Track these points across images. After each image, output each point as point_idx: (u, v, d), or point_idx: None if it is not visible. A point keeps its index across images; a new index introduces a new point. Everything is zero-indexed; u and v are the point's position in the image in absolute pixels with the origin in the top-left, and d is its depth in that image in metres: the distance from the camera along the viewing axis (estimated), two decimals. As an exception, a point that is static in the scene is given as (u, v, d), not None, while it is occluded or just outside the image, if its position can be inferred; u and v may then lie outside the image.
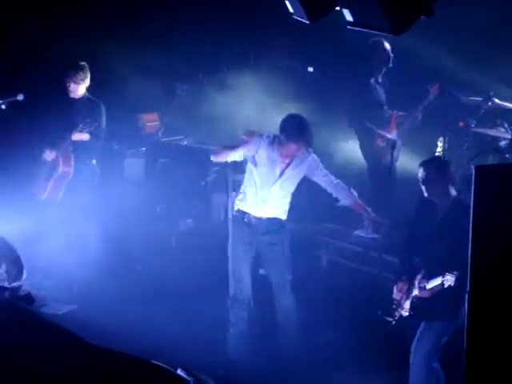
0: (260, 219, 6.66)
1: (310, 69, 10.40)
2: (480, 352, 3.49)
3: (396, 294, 5.81)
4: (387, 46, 8.44)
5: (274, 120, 8.83)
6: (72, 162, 7.87)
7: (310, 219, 9.07)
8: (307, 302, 7.25)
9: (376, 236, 8.17)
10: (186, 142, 9.65)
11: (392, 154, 7.89)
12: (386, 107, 8.65)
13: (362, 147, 8.78)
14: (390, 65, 8.55)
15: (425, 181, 5.77)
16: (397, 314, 5.79)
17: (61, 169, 7.85)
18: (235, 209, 6.83)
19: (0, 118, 7.91)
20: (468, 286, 3.51)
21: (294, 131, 6.45)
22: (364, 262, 8.06)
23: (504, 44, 8.77)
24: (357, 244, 8.28)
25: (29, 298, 3.77)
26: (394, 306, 5.82)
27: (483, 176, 3.49)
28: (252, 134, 6.59)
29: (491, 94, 8.26)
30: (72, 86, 7.90)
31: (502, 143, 8.12)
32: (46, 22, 9.38)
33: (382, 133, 8.51)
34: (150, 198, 9.31)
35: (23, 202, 7.80)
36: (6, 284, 4.40)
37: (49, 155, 7.86)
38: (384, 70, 8.60)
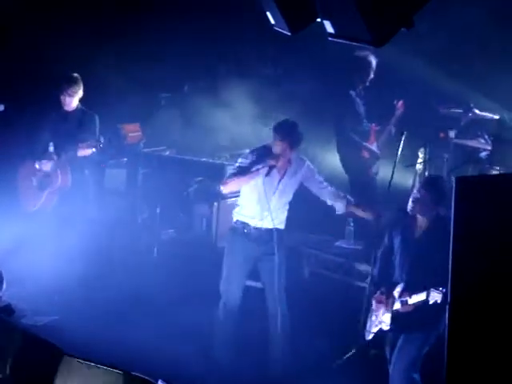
0: (260, 230, 6.70)
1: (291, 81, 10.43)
2: (460, 364, 3.49)
3: (375, 306, 5.79)
4: (373, 61, 8.47)
5: (257, 129, 8.86)
6: (69, 173, 7.84)
7: (291, 230, 9.07)
8: (289, 313, 7.25)
9: (358, 247, 8.20)
10: (167, 153, 9.64)
11: (370, 166, 7.96)
12: (365, 120, 8.68)
13: (344, 159, 8.77)
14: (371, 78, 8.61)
15: (419, 199, 5.70)
16: (375, 327, 5.78)
17: (59, 181, 7.80)
18: (234, 220, 6.86)
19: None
20: (448, 297, 3.52)
21: (281, 129, 6.59)
22: (346, 273, 8.07)
23: (484, 55, 8.83)
24: (339, 255, 8.29)
25: (8, 309, 3.74)
26: (373, 319, 5.81)
27: (464, 187, 3.51)
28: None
29: (471, 105, 8.31)
30: (67, 100, 7.89)
31: (483, 154, 8.17)
32: (33, 34, 9.38)
33: (368, 145, 8.55)
34: (132, 209, 9.28)
35: (9, 212, 7.75)
36: (-15, 295, 4.37)
37: (46, 165, 7.79)
38: (366, 84, 8.63)
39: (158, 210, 9.13)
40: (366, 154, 8.50)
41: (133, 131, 9.70)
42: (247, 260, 6.75)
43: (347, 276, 8.05)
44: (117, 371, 3.42)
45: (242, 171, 6.65)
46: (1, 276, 5.01)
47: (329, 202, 6.83)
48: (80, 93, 7.94)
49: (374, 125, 8.68)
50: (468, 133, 8.50)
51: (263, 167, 6.56)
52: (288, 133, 6.57)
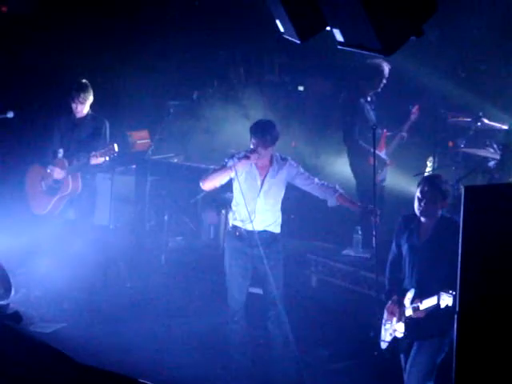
0: (251, 232, 6.66)
1: (301, 88, 10.44)
2: (469, 373, 3.48)
3: (387, 316, 5.77)
4: (386, 69, 8.48)
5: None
6: (79, 179, 7.87)
7: (299, 238, 9.08)
8: (296, 321, 7.24)
9: (366, 255, 8.18)
10: (176, 160, 9.66)
11: (375, 173, 7.92)
12: (375, 127, 8.65)
13: (353, 165, 8.77)
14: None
15: (424, 197, 5.66)
16: (390, 336, 5.76)
17: (70, 187, 7.82)
18: (230, 225, 6.88)
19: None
20: (457, 306, 3.51)
21: (255, 128, 6.57)
22: (353, 281, 8.06)
23: (493, 63, 8.83)
24: (346, 263, 8.27)
25: (16, 317, 3.74)
26: (387, 328, 5.79)
27: (472, 196, 3.50)
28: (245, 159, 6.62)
29: (480, 114, 8.28)
30: (78, 107, 7.89)
31: (491, 163, 8.14)
32: (44, 42, 9.44)
33: (377, 153, 8.52)
34: (140, 216, 9.30)
35: (18, 217, 7.77)
36: (-7, 302, 4.37)
37: (59, 173, 7.79)
38: (378, 91, 8.63)
39: (165, 218, 9.13)
40: (372, 161, 8.44)
41: (141, 138, 9.74)
42: (242, 262, 6.70)
43: (355, 284, 8.03)
44: (124, 379, 3.42)
45: (220, 167, 6.67)
46: (9, 283, 5.01)
47: (321, 197, 6.78)
48: (90, 99, 7.95)
49: (385, 130, 8.67)
50: (477, 142, 8.48)
51: (238, 160, 6.55)
52: (261, 131, 6.55)
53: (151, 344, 6.93)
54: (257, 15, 8.65)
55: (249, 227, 6.67)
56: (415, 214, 5.76)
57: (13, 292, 4.21)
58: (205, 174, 6.88)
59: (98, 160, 7.65)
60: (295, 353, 6.59)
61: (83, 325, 7.27)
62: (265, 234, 6.68)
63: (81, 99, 7.86)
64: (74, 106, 7.90)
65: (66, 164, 7.76)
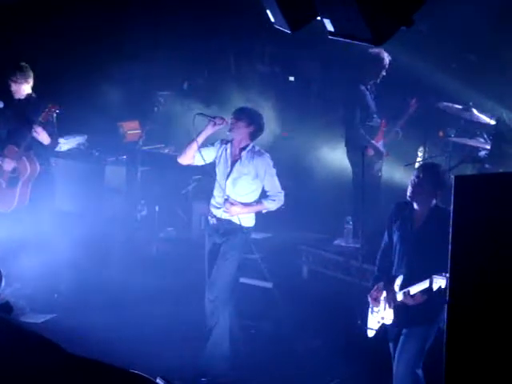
0: (220, 220, 6.69)
1: (291, 78, 10.43)
2: (459, 362, 3.50)
3: (373, 303, 5.78)
4: (387, 60, 8.48)
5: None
6: (36, 161, 7.69)
7: (290, 228, 9.09)
8: (288, 312, 7.27)
9: (356, 245, 8.20)
10: (167, 151, 9.65)
11: (374, 164, 7.94)
12: (375, 115, 8.65)
13: (350, 153, 8.73)
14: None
15: (418, 183, 5.64)
16: (378, 323, 5.77)
17: (28, 170, 7.66)
18: None
19: None
20: (447, 296, 3.52)
21: (235, 113, 6.66)
22: (344, 272, 8.08)
23: (483, 53, 8.84)
24: (337, 253, 8.30)
25: (7, 307, 3.73)
26: (374, 315, 5.80)
27: (463, 186, 3.50)
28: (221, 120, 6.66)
29: (470, 103, 8.31)
30: (13, 86, 7.68)
31: (482, 153, 8.17)
32: (29, 30, 9.38)
33: (374, 143, 8.54)
34: (131, 206, 9.29)
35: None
36: (-17, 293, 4.36)
37: (10, 162, 7.63)
38: (377, 81, 8.63)
39: (156, 208, 9.13)
40: (370, 152, 8.44)
41: (132, 129, 9.73)
42: (213, 252, 6.71)
43: (346, 274, 8.06)
44: (114, 369, 3.42)
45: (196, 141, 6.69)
46: (-1, 274, 5.00)
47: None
48: (29, 80, 7.71)
49: (383, 121, 8.65)
50: (467, 132, 8.50)
51: (205, 128, 6.64)
52: (238, 108, 6.65)
53: (142, 334, 6.93)
54: (247, 5, 8.63)
55: (218, 214, 6.69)
56: (408, 202, 5.76)
57: (3, 283, 4.19)
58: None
59: (41, 135, 7.50)
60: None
61: (74, 315, 7.27)
62: (229, 223, 6.65)
63: (14, 79, 7.65)
64: (12, 87, 7.67)
65: (15, 149, 7.61)
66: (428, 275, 5.35)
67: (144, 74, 9.72)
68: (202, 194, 9.07)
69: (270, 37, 9.48)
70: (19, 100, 7.75)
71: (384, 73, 8.54)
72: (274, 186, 6.69)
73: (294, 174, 9.36)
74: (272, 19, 4.52)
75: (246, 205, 6.63)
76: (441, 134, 8.69)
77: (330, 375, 6.49)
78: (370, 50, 8.42)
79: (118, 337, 6.79)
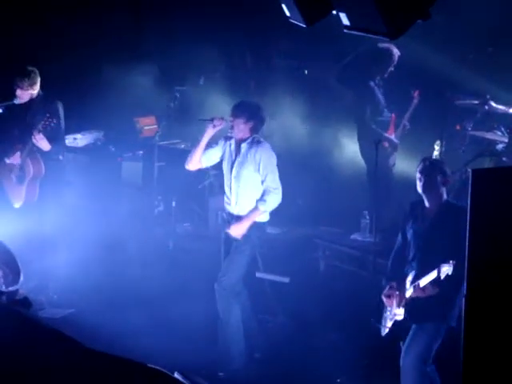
0: (231, 215, 6.74)
1: (307, 72, 10.42)
2: (477, 357, 3.49)
3: (386, 302, 5.80)
4: (396, 53, 8.47)
5: (272, 120, 8.84)
6: (41, 160, 7.71)
7: (306, 223, 9.08)
8: (304, 306, 7.26)
9: (373, 240, 8.17)
10: (183, 146, 9.66)
11: (388, 156, 7.89)
12: (385, 110, 8.67)
13: (363, 148, 8.73)
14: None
15: (423, 173, 5.72)
16: (390, 321, 5.78)
17: (31, 170, 7.70)
18: None
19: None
20: (465, 290, 3.51)
21: (235, 107, 6.68)
22: (361, 266, 8.07)
23: (502, 46, 8.78)
24: (354, 248, 8.28)
25: (26, 303, 3.76)
26: (387, 314, 5.82)
27: (480, 179, 3.49)
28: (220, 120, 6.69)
29: (488, 97, 8.25)
30: (18, 92, 7.63)
31: (499, 146, 8.12)
32: (41, 23, 9.41)
33: (387, 135, 8.53)
34: (147, 202, 9.31)
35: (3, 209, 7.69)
36: (2, 288, 4.39)
37: (16, 158, 7.69)
38: (385, 75, 8.63)
39: (173, 204, 9.14)
40: (385, 144, 8.42)
41: (148, 124, 9.75)
42: (227, 246, 6.77)
43: (362, 269, 8.04)
44: (133, 364, 3.43)
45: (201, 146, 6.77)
46: (17, 268, 5.02)
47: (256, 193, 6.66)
48: (35, 87, 7.64)
49: (393, 115, 8.65)
50: (484, 125, 8.45)
51: (206, 131, 6.69)
52: (236, 110, 6.61)
53: (160, 329, 6.96)
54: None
55: (230, 210, 6.73)
56: (421, 201, 5.82)
57: (22, 278, 4.22)
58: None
59: (40, 142, 7.49)
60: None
61: (92, 310, 7.29)
62: (239, 218, 6.67)
63: (23, 86, 7.58)
64: (18, 92, 7.62)
65: (20, 147, 7.65)
66: (438, 265, 5.38)
67: (160, 69, 9.73)
68: (219, 189, 9.08)
69: (286, 30, 9.47)
70: (21, 105, 7.70)
71: (392, 68, 8.54)
72: (268, 177, 6.57)
73: (311, 168, 9.36)
74: (287, 13, 4.52)
75: (245, 219, 6.58)
76: (458, 127, 8.65)
77: (345, 369, 6.49)
78: (379, 45, 8.40)
79: (136, 332, 6.82)
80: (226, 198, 6.81)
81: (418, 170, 5.79)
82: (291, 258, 8.22)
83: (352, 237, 8.53)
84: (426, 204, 5.80)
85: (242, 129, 6.60)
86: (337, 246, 8.44)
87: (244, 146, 6.64)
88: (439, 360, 5.73)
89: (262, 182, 6.60)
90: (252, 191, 6.65)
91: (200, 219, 9.38)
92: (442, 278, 5.35)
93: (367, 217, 8.41)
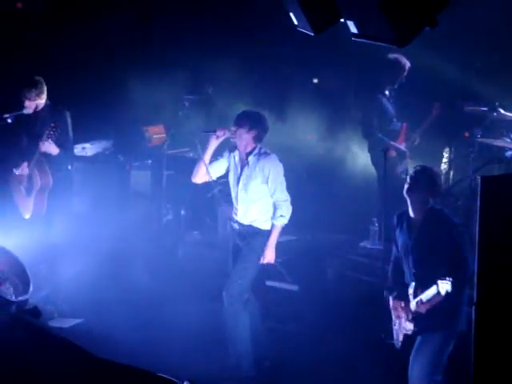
0: (240, 224, 6.76)
1: (315, 80, 10.43)
2: (488, 365, 3.47)
3: (394, 314, 5.80)
4: (406, 63, 8.47)
5: (280, 129, 8.84)
6: (49, 172, 7.69)
7: (315, 231, 9.07)
8: (313, 314, 7.25)
9: (382, 247, 8.16)
10: (191, 154, 9.67)
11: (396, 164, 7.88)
12: (395, 120, 8.65)
13: (373, 158, 8.74)
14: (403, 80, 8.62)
15: (413, 177, 5.71)
16: (401, 335, 5.78)
17: (39, 182, 7.68)
18: None
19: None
20: (475, 297, 3.50)
21: (238, 117, 6.70)
22: (370, 274, 8.05)
23: (509, 53, 8.77)
24: (363, 255, 8.27)
25: (35, 312, 3.77)
26: (397, 328, 5.81)
27: (489, 187, 3.49)
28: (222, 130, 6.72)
29: (496, 104, 8.25)
30: (26, 103, 7.61)
31: (508, 153, 8.11)
32: (53, 39, 9.46)
33: (396, 144, 8.53)
34: (156, 210, 9.32)
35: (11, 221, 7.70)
36: (12, 298, 4.41)
37: (24, 169, 7.68)
38: (395, 86, 8.63)
39: (182, 212, 9.15)
40: (392, 153, 8.42)
41: (157, 133, 9.76)
42: (235, 255, 6.79)
43: (371, 276, 8.02)
44: (142, 373, 3.43)
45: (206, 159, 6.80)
46: (27, 278, 5.03)
47: (268, 208, 6.70)
48: (42, 96, 7.63)
49: (405, 124, 8.63)
50: (493, 132, 8.44)
51: (209, 143, 6.73)
52: (238, 120, 6.64)
53: (169, 338, 6.95)
54: (271, 8, 8.64)
55: (238, 219, 6.78)
56: (406, 211, 5.84)
57: (31, 288, 4.23)
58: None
59: (50, 148, 7.49)
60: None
61: (101, 320, 7.29)
62: (248, 228, 6.71)
63: (31, 96, 7.57)
64: (26, 103, 7.62)
65: (28, 157, 7.63)
66: (436, 278, 5.37)
67: (169, 79, 9.74)
68: (228, 198, 9.08)
69: (294, 39, 9.49)
70: (29, 115, 7.69)
71: (403, 78, 8.53)
72: (277, 189, 6.62)
73: (319, 176, 9.36)
74: (295, 22, 4.53)
75: (271, 240, 6.62)
76: (466, 134, 8.64)
77: (354, 378, 6.47)
78: (389, 56, 8.41)
79: (145, 341, 6.81)
80: (234, 209, 6.86)
81: (410, 176, 5.78)
82: (300, 266, 8.21)
83: (361, 244, 8.52)
84: (411, 213, 5.78)
85: (244, 138, 6.63)
86: (346, 253, 8.43)
87: (251, 158, 6.66)
88: (453, 363, 5.70)
89: (272, 195, 6.64)
90: (260, 202, 6.69)
91: (209, 227, 9.38)
92: (442, 294, 5.34)
93: (376, 224, 8.40)
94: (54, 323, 7.32)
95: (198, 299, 7.66)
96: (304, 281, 7.57)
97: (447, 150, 8.66)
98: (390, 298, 5.81)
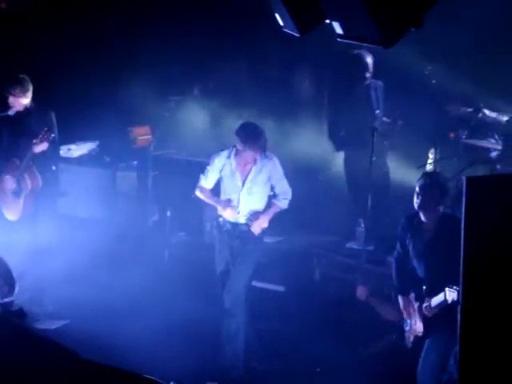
0: (235, 224, 6.86)
1: (302, 83, 10.44)
2: (473, 365, 3.49)
3: (406, 315, 5.82)
4: (369, 59, 8.51)
5: (267, 131, 8.84)
6: (37, 174, 7.66)
7: (302, 231, 9.08)
8: (300, 315, 7.26)
9: (369, 248, 8.18)
10: (177, 156, 9.66)
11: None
12: (379, 113, 8.64)
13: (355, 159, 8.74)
14: (369, 77, 8.63)
15: (422, 190, 5.65)
16: (411, 336, 5.80)
17: (29, 185, 7.64)
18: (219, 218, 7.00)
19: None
20: (460, 297, 3.51)
21: (250, 138, 6.74)
22: (356, 274, 8.06)
23: (493, 54, 8.81)
24: (350, 256, 8.28)
25: (21, 314, 3.75)
26: (407, 329, 5.83)
27: (474, 187, 3.50)
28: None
29: (481, 105, 8.28)
30: (10, 99, 7.59)
31: (493, 154, 8.14)
32: (39, 38, 9.42)
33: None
34: (142, 212, 9.30)
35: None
36: (-3, 299, 4.37)
37: (11, 183, 7.66)
38: (366, 82, 8.64)
39: (168, 213, 9.13)
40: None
41: (143, 134, 9.73)
42: (228, 253, 6.88)
43: (357, 277, 8.03)
44: (128, 374, 3.42)
45: (208, 196, 7.02)
46: (12, 279, 5.00)
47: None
48: (28, 94, 7.61)
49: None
50: (478, 133, 8.47)
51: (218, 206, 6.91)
52: (257, 143, 6.74)
53: (155, 339, 6.94)
54: (258, 9, 8.63)
55: (234, 220, 6.87)
56: (416, 213, 5.78)
57: (17, 289, 4.21)
58: (198, 185, 7.10)
59: (40, 146, 7.46)
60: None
61: (87, 321, 7.28)
62: (245, 225, 6.85)
63: (15, 92, 7.56)
64: (10, 100, 7.60)
65: (18, 163, 7.61)
66: (445, 285, 5.37)
67: (155, 80, 9.73)
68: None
69: (281, 40, 9.51)
70: (17, 113, 7.66)
71: (369, 73, 8.55)
72: (283, 185, 6.97)
73: (305, 176, 9.35)
74: (281, 23, 4.53)
75: (264, 214, 6.87)
76: (452, 135, 8.65)
77: (341, 378, 6.49)
78: (355, 52, 8.45)
79: (131, 342, 6.79)
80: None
81: (418, 185, 5.70)
82: (287, 267, 8.21)
83: (348, 245, 8.53)
84: (423, 218, 5.77)
85: (253, 153, 6.79)
86: (332, 254, 8.44)
87: (258, 165, 6.84)
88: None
89: (275, 188, 6.93)
90: (261, 200, 6.93)
91: (195, 228, 9.37)
92: (449, 302, 5.35)
93: (362, 225, 8.41)
94: (40, 325, 7.29)
95: (185, 300, 7.65)
96: (291, 281, 7.56)
97: (432, 150, 8.67)
98: (400, 299, 5.83)
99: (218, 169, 6.94)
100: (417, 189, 5.70)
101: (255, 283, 7.22)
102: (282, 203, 6.95)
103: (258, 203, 6.91)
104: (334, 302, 7.63)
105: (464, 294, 3.52)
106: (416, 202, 5.69)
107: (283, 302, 7.73)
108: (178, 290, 7.85)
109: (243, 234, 6.84)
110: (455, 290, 5.26)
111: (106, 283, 7.93)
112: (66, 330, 7.30)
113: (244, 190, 6.85)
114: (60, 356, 3.26)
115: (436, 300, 5.52)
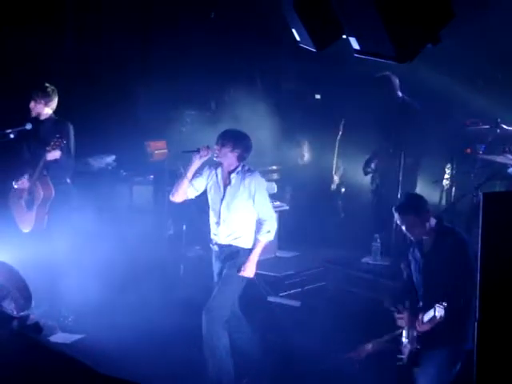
0: (220, 246, 6.72)
1: (318, 96, 10.44)
2: (490, 379, 3.47)
3: (400, 323, 5.83)
4: (395, 81, 8.50)
5: (283, 145, 8.86)
6: (50, 184, 7.69)
7: (316, 245, 9.07)
8: (314, 330, 7.23)
9: (385, 263, 8.16)
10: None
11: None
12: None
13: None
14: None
15: (406, 226, 5.72)
16: (407, 349, 5.79)
17: (41, 194, 7.67)
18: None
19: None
20: (477, 314, 3.49)
21: (220, 135, 6.65)
22: (372, 290, 8.03)
23: (509, 69, 8.79)
24: (365, 271, 8.25)
25: (37, 328, 3.76)
26: (404, 340, 5.83)
27: (491, 203, 3.49)
28: (206, 149, 6.66)
29: (498, 120, 8.26)
30: (36, 107, 7.70)
31: (510, 170, 8.10)
32: (53, 45, 9.49)
33: None
34: (158, 226, 9.32)
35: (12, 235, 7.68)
36: (14, 313, 4.39)
37: (24, 183, 7.70)
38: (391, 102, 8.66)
39: (184, 227, 9.15)
40: None
41: (159, 148, 9.76)
42: (218, 276, 6.77)
43: (373, 292, 8.01)
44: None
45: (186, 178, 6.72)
46: (28, 293, 5.01)
47: (253, 226, 6.65)
48: (50, 104, 7.72)
49: None
50: (495, 148, 8.44)
51: (192, 162, 6.65)
52: (222, 139, 6.60)
53: (171, 353, 6.93)
54: (272, 23, 8.67)
55: (218, 240, 6.72)
56: None
57: (33, 303, 4.23)
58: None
59: (52, 154, 7.46)
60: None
61: (103, 335, 7.28)
62: (230, 248, 6.65)
63: (37, 97, 7.67)
64: (31, 105, 7.71)
65: (30, 170, 7.65)
66: (435, 301, 5.40)
67: (171, 94, 9.77)
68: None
69: (296, 54, 9.53)
70: (35, 124, 7.72)
71: (396, 95, 8.55)
72: (264, 206, 6.61)
73: (320, 191, 9.36)
74: (297, 38, 4.55)
75: (253, 255, 6.55)
76: (468, 150, 8.63)
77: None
78: (379, 75, 8.45)
79: (147, 357, 6.80)
80: (213, 230, 6.76)
81: (396, 219, 5.83)
82: (302, 282, 8.20)
83: (363, 260, 8.51)
84: (423, 239, 5.84)
85: (228, 157, 6.61)
86: (348, 269, 8.41)
87: (234, 176, 6.63)
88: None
89: (258, 213, 6.60)
90: (243, 220, 6.63)
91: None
92: (437, 318, 5.36)
93: (378, 240, 8.39)
94: (56, 339, 7.30)
95: (200, 315, 7.64)
96: (306, 296, 7.54)
97: (449, 166, 8.65)
98: (396, 315, 5.84)
99: (206, 175, 6.76)
100: (400, 225, 5.80)
101: (270, 298, 7.19)
102: (266, 237, 6.57)
103: (240, 225, 6.61)
104: (348, 317, 7.59)
105: (481, 309, 3.50)
106: (407, 235, 5.78)
107: (298, 317, 7.70)
108: (194, 304, 7.84)
109: (227, 255, 6.65)
110: (442, 306, 5.28)
111: (121, 297, 7.94)
112: (82, 345, 7.28)
113: (224, 203, 6.62)
114: (76, 370, 3.26)
115: (428, 315, 5.54)
